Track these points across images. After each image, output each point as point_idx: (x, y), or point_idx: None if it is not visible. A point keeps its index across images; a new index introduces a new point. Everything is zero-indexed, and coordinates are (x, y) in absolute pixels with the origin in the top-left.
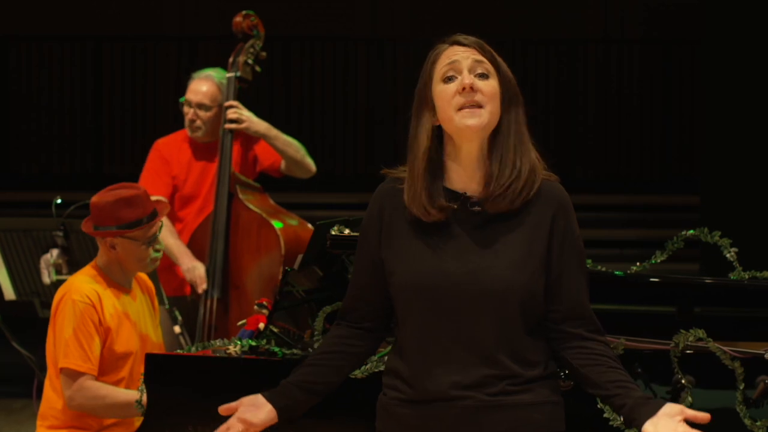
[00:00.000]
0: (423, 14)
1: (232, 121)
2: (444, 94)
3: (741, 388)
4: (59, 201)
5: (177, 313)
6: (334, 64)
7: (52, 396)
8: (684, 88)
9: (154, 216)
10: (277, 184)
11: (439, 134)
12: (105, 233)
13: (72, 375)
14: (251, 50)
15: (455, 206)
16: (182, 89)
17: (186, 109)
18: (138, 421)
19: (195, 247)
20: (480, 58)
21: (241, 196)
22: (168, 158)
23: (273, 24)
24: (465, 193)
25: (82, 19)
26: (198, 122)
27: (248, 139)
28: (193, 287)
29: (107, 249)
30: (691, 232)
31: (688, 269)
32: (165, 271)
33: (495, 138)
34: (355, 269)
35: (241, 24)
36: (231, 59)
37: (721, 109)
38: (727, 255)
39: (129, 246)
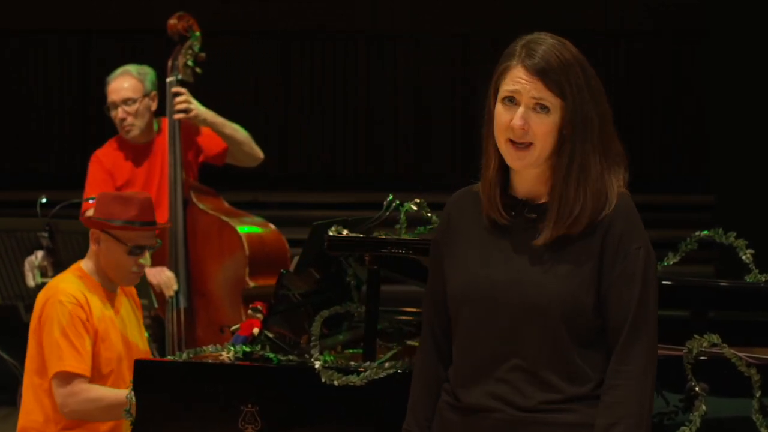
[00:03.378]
0: (423, 13)
1: (181, 111)
2: (499, 118)
3: (757, 395)
4: (44, 200)
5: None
6: (334, 62)
7: (33, 408)
8: (693, 82)
9: (147, 225)
10: (274, 184)
11: None
12: (94, 222)
13: (67, 378)
14: (190, 52)
15: (513, 212)
16: None
17: (113, 113)
18: (126, 430)
19: (152, 259)
20: (540, 93)
21: (195, 200)
22: (110, 169)
23: (270, 21)
24: (525, 200)
25: (70, 11)
26: (129, 119)
27: (186, 137)
28: (162, 292)
29: (93, 243)
30: (705, 232)
31: (702, 271)
32: None
33: (556, 165)
34: (431, 283)
35: (177, 26)
36: (169, 63)
37: (733, 104)
38: (743, 257)
39: (112, 246)
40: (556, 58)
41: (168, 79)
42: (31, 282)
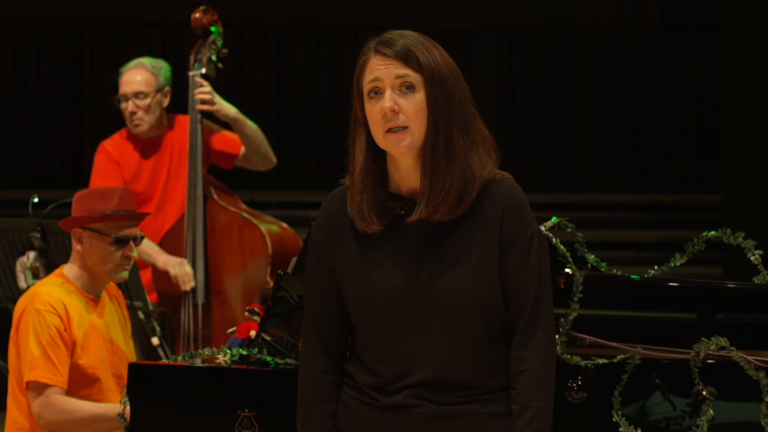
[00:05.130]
0: (424, 6)
1: (203, 102)
2: (371, 114)
3: (766, 400)
4: (36, 200)
5: (155, 323)
6: (331, 57)
7: (18, 416)
8: (706, 78)
9: (127, 213)
10: (271, 183)
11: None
12: (72, 222)
13: (39, 389)
14: (213, 47)
15: (402, 211)
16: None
17: (123, 105)
18: None
19: (170, 253)
20: (402, 71)
21: (216, 197)
22: (118, 160)
23: (266, 11)
24: (410, 197)
25: (60, 4)
26: (139, 113)
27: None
28: (179, 284)
29: (75, 246)
30: (713, 233)
31: (710, 273)
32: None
33: (425, 144)
34: (311, 286)
35: (201, 20)
36: (192, 57)
37: (745, 101)
38: (752, 258)
39: (95, 241)
40: (411, 40)
41: (190, 73)
42: (23, 283)
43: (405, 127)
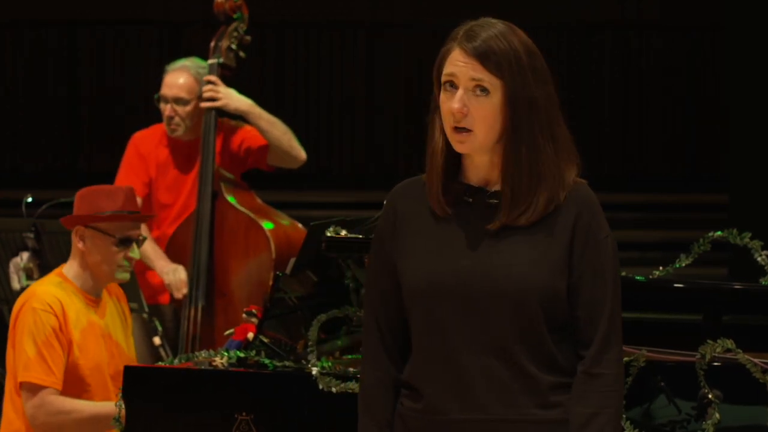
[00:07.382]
0: (424, 3)
1: (209, 100)
2: (443, 105)
3: None
4: (30, 199)
5: (157, 323)
6: (331, 52)
7: (13, 417)
8: (710, 76)
9: (133, 215)
10: (268, 182)
11: None
12: (76, 220)
13: (33, 389)
14: (235, 34)
15: (471, 200)
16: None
17: (162, 105)
18: None
19: (173, 251)
20: (478, 74)
21: (225, 194)
22: (146, 155)
23: (265, 9)
24: (482, 187)
25: (57, 3)
26: (177, 119)
27: (233, 131)
28: (172, 293)
29: (76, 245)
30: (719, 233)
31: (716, 274)
32: (138, 276)
33: (506, 151)
34: (375, 280)
35: (224, 5)
36: (212, 44)
37: (750, 99)
38: (758, 258)
39: (98, 241)
40: (497, 40)
41: (209, 62)
42: (16, 285)
43: (469, 130)
